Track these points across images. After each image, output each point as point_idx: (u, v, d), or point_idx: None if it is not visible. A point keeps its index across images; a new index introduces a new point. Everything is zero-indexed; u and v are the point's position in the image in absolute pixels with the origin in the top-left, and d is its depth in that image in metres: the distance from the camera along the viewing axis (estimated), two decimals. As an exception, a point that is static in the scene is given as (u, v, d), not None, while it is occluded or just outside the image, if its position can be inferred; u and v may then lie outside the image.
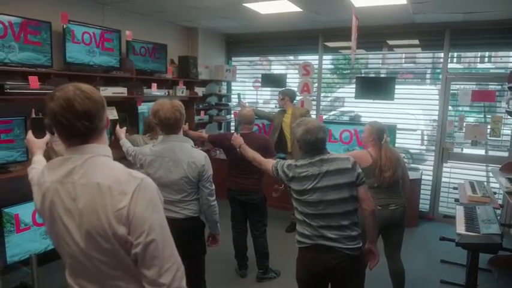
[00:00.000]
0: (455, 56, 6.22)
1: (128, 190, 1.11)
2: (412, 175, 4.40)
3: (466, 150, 5.00)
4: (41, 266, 3.19)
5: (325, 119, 5.66)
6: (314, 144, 2.14)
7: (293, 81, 5.85)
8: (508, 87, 4.13)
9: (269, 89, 6.48)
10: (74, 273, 1.23)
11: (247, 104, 5.47)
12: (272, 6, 4.21)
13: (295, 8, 4.27)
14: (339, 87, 6.38)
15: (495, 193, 3.85)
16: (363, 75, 5.94)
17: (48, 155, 2.38)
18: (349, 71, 6.12)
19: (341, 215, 2.10)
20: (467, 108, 5.15)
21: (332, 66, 6.50)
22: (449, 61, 5.07)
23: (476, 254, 2.85)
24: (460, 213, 3.03)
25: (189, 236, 2.44)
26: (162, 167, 2.39)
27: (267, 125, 5.39)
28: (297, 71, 5.75)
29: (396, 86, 4.98)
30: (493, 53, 6.07)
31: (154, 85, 4.58)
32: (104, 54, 3.98)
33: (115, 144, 3.01)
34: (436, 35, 4.97)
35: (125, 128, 3.16)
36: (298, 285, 2.28)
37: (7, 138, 3.09)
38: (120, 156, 2.87)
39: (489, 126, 4.62)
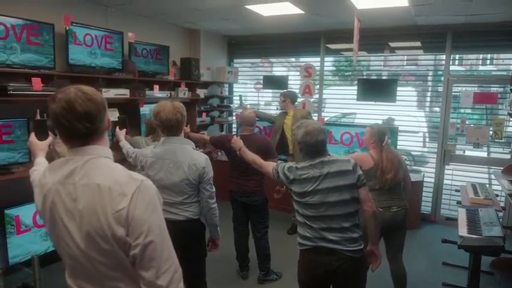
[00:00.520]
0: (457, 58, 6.23)
1: (128, 192, 1.12)
2: (413, 177, 4.39)
3: (468, 153, 4.99)
4: (43, 267, 3.19)
5: (327, 120, 5.66)
6: (314, 146, 2.14)
7: (295, 83, 5.86)
8: (510, 89, 4.13)
9: (270, 90, 6.49)
10: (73, 274, 1.23)
11: (248, 105, 5.48)
12: (274, 8, 4.21)
13: (297, 10, 4.28)
14: (341, 89, 6.38)
15: (497, 195, 3.84)
16: (364, 77, 5.94)
17: (51, 156, 2.39)
18: (350, 73, 6.12)
19: (342, 217, 2.10)
20: (469, 111, 5.15)
21: (334, 68, 6.51)
22: (451, 63, 5.07)
23: (478, 256, 2.84)
24: (462, 215, 3.02)
25: (190, 238, 2.44)
26: (162, 169, 2.39)
27: (267, 127, 5.39)
28: (298, 73, 5.76)
29: (398, 88, 4.98)
30: (495, 55, 6.05)
31: (156, 87, 4.59)
32: (106, 56, 3.99)
33: (116, 145, 3.02)
34: (437, 37, 4.97)
35: (125, 129, 3.16)
36: (300, 287, 2.28)
37: (8, 139, 3.09)
38: (121, 158, 2.88)
39: (491, 129, 4.61)
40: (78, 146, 1.18)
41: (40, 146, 1.70)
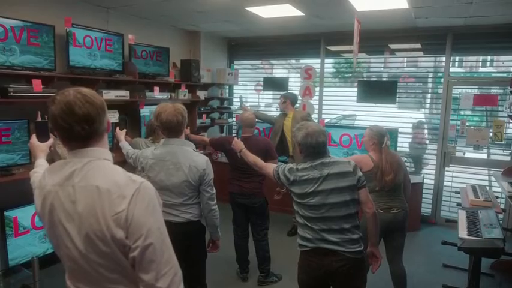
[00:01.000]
0: (457, 60, 6.23)
1: (127, 194, 1.12)
2: (414, 179, 4.39)
3: (468, 154, 4.99)
4: (42, 269, 3.19)
5: (327, 122, 5.66)
6: (315, 147, 2.15)
7: (295, 84, 5.86)
8: (510, 91, 4.13)
9: (271, 92, 6.49)
10: (73, 277, 1.23)
11: (249, 107, 5.48)
12: (274, 10, 4.22)
13: (297, 12, 4.28)
14: (341, 91, 6.38)
15: (497, 197, 3.84)
16: (364, 79, 5.94)
17: (52, 158, 2.39)
18: (350, 75, 6.13)
19: (342, 218, 2.11)
20: (469, 112, 5.15)
21: (334, 70, 6.51)
22: (451, 65, 5.07)
23: (478, 258, 2.84)
24: (462, 217, 3.02)
25: (190, 240, 2.44)
26: (163, 170, 2.39)
27: (267, 129, 5.40)
28: (298, 75, 5.77)
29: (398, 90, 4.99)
30: (495, 57, 6.06)
31: (156, 88, 4.60)
32: (106, 58, 4.00)
33: (117, 147, 3.02)
34: (437, 39, 4.98)
35: (125, 130, 3.16)
36: None
37: (7, 140, 3.10)
38: (122, 159, 2.88)
39: (491, 130, 4.61)
40: (77, 148, 1.19)
41: (41, 148, 1.70)
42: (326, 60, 5.81)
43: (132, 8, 4.31)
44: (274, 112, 6.07)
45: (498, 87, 4.97)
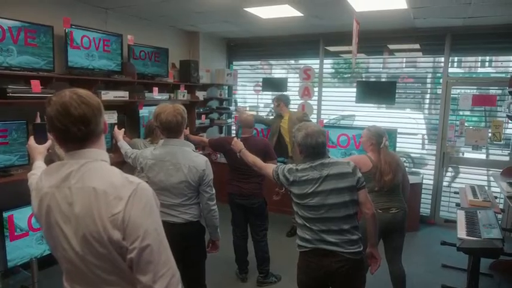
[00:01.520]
0: (455, 60, 6.24)
1: (124, 195, 1.11)
2: (413, 179, 4.39)
3: (467, 155, 5.00)
4: (41, 270, 3.18)
5: (326, 123, 5.66)
6: (315, 148, 2.15)
7: (294, 85, 5.86)
8: (509, 92, 4.13)
9: (270, 93, 6.50)
10: (70, 278, 1.23)
11: (247, 108, 5.49)
12: (273, 11, 4.22)
13: (296, 13, 4.29)
14: (340, 91, 6.39)
15: (496, 197, 3.84)
16: (363, 79, 5.95)
17: (52, 159, 2.39)
18: (349, 75, 6.13)
19: (341, 219, 2.11)
20: (468, 113, 5.15)
21: (333, 71, 6.52)
22: (449, 65, 5.08)
23: (477, 258, 2.84)
24: (461, 217, 3.02)
25: (189, 240, 2.43)
26: (162, 171, 2.38)
27: (264, 130, 5.39)
28: (297, 75, 5.77)
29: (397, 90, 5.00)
30: (493, 57, 6.07)
31: (155, 89, 4.59)
32: (105, 58, 4.00)
33: (116, 148, 3.02)
34: (436, 40, 4.98)
35: (123, 129, 3.16)
36: None
37: (4, 141, 3.08)
38: (121, 160, 2.88)
39: (490, 131, 4.62)
40: (74, 150, 1.18)
41: (39, 150, 1.70)
42: (325, 61, 5.82)
43: (130, 9, 4.30)
44: (268, 113, 6.07)
45: (497, 88, 4.98)
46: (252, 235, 3.55)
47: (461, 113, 5.03)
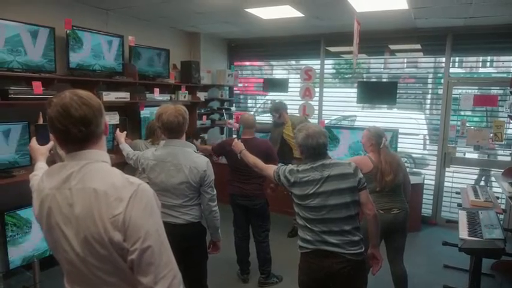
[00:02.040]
0: (457, 60, 6.24)
1: (124, 196, 1.11)
2: (414, 180, 4.39)
3: (468, 155, 4.99)
4: (43, 271, 3.19)
5: (327, 123, 5.66)
6: (315, 149, 2.15)
7: (295, 85, 5.86)
8: (510, 92, 4.13)
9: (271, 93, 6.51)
10: (71, 280, 1.23)
11: (232, 121, 5.49)
12: (274, 11, 4.23)
13: (297, 14, 4.29)
14: (341, 92, 6.39)
15: (498, 198, 3.84)
16: (364, 79, 5.94)
17: (54, 160, 2.39)
18: (350, 76, 6.13)
19: (343, 219, 2.10)
20: (469, 113, 5.15)
21: (334, 71, 6.52)
22: (451, 66, 5.07)
23: (479, 259, 2.84)
24: (462, 218, 3.01)
25: (190, 241, 2.43)
26: (163, 172, 2.39)
27: (264, 137, 5.33)
28: (298, 76, 5.77)
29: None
30: (494, 57, 6.06)
31: (156, 90, 4.60)
32: (107, 59, 4.00)
33: (117, 149, 3.02)
34: (437, 40, 4.98)
35: (125, 132, 3.17)
36: None
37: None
38: (122, 161, 2.89)
39: (491, 131, 4.61)
40: (74, 151, 1.18)
41: (41, 151, 1.69)
42: (326, 61, 5.81)
43: (131, 10, 4.31)
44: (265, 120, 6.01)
45: (498, 88, 4.97)
46: (253, 236, 3.55)
47: (462, 113, 5.02)
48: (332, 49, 5.86)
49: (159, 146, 2.54)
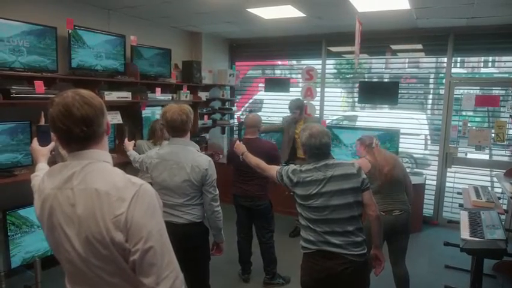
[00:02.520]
0: (458, 60, 6.23)
1: (126, 196, 1.10)
2: (415, 180, 4.38)
3: (470, 155, 4.98)
4: (44, 270, 3.19)
5: (328, 123, 5.66)
6: (319, 148, 2.15)
7: (296, 85, 5.86)
8: (512, 92, 4.13)
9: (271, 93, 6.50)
10: (73, 281, 1.22)
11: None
12: (275, 11, 4.22)
13: (298, 14, 4.29)
14: (342, 92, 6.39)
15: (499, 198, 3.83)
16: (366, 79, 5.94)
17: (55, 160, 2.40)
18: (352, 76, 6.13)
19: (346, 220, 2.10)
20: (471, 113, 5.14)
21: (335, 71, 6.52)
22: (452, 66, 5.06)
23: (480, 259, 2.84)
24: (464, 218, 3.01)
25: (192, 241, 2.42)
26: (166, 170, 2.39)
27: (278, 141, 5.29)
28: (300, 76, 5.77)
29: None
30: (496, 58, 6.06)
31: (158, 89, 4.60)
32: (108, 59, 4.01)
33: (119, 149, 3.03)
34: (439, 40, 4.97)
35: (133, 141, 3.20)
36: None
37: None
38: (123, 160, 2.90)
39: (493, 131, 4.60)
40: (76, 150, 1.18)
41: (42, 152, 1.69)
42: (327, 61, 5.81)
43: (133, 10, 4.32)
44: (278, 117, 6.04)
45: (500, 88, 4.96)
46: (258, 237, 3.53)
47: (464, 113, 5.01)
48: (333, 49, 5.86)
49: (163, 145, 2.55)
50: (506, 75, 5.15)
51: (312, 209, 2.12)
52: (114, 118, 3.91)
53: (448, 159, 5.02)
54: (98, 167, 1.18)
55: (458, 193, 4.13)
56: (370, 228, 2.28)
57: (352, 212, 2.11)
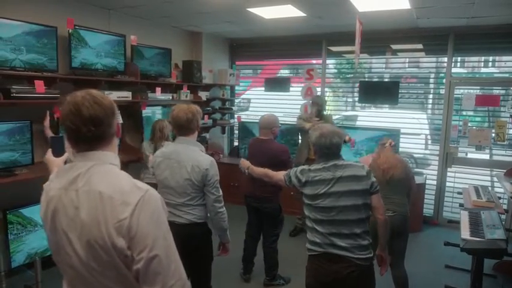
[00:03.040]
0: (459, 60, 6.23)
1: (131, 201, 1.08)
2: (416, 179, 4.36)
3: (470, 155, 4.98)
4: (44, 270, 3.19)
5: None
6: (329, 148, 2.14)
7: (297, 85, 5.86)
8: (513, 92, 4.13)
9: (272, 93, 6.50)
10: (72, 285, 1.20)
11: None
12: (276, 11, 4.22)
13: (299, 13, 4.29)
14: (342, 92, 6.39)
15: (500, 198, 3.83)
16: (366, 79, 5.94)
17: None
18: (352, 75, 6.13)
19: (353, 222, 2.08)
20: (471, 113, 5.14)
21: (335, 71, 6.52)
22: (452, 65, 5.06)
23: (481, 259, 2.84)
24: (464, 218, 3.01)
25: (194, 242, 2.40)
26: (168, 168, 2.39)
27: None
28: (300, 75, 5.76)
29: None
30: (497, 57, 6.05)
31: (158, 89, 4.60)
32: (108, 59, 4.01)
33: (123, 147, 3.02)
34: (439, 40, 4.97)
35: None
36: None
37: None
38: (126, 160, 2.90)
39: (493, 131, 4.60)
40: (84, 151, 1.17)
41: (56, 163, 1.67)
42: (328, 61, 5.81)
43: (133, 9, 4.31)
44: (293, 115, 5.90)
45: (500, 88, 4.96)
46: (263, 238, 3.53)
47: (464, 113, 5.01)
48: (334, 49, 5.86)
49: (167, 143, 2.56)
50: (507, 75, 5.14)
51: (319, 209, 2.11)
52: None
53: (448, 159, 5.02)
54: (104, 169, 1.16)
55: (459, 193, 4.13)
56: (375, 229, 2.27)
57: (359, 215, 2.09)
